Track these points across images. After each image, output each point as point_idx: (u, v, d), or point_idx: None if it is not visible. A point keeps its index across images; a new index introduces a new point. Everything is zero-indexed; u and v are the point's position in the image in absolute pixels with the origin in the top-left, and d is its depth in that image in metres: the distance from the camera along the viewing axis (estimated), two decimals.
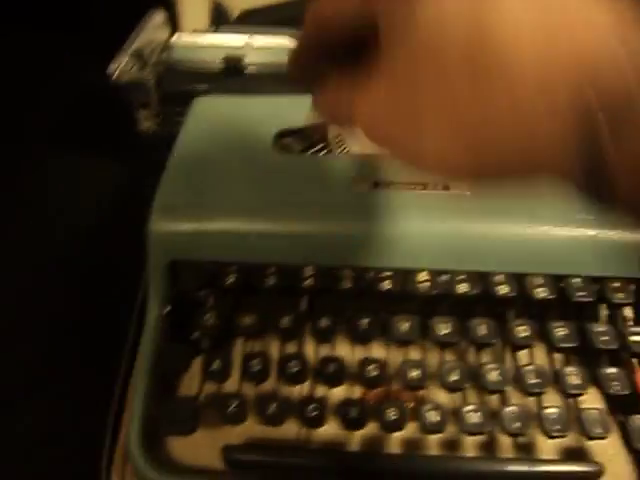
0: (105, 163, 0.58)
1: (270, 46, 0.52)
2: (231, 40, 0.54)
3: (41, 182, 0.60)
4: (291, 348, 0.39)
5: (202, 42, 0.54)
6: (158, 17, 0.55)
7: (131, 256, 0.48)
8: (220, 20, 0.60)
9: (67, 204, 0.56)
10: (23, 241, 0.55)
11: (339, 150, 0.49)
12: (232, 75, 0.50)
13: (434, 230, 0.38)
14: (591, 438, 0.35)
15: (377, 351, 0.39)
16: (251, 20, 0.60)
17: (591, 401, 0.37)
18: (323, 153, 0.47)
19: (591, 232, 0.37)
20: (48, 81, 0.67)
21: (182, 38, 0.55)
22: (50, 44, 0.70)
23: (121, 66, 0.49)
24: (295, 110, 0.47)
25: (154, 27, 0.54)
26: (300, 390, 0.37)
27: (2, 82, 0.67)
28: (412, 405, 0.37)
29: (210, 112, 0.47)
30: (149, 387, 0.38)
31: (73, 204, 0.56)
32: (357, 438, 0.38)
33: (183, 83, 0.51)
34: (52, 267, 0.52)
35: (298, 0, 0.66)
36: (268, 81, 0.50)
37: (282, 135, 0.45)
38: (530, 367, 0.36)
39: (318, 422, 0.35)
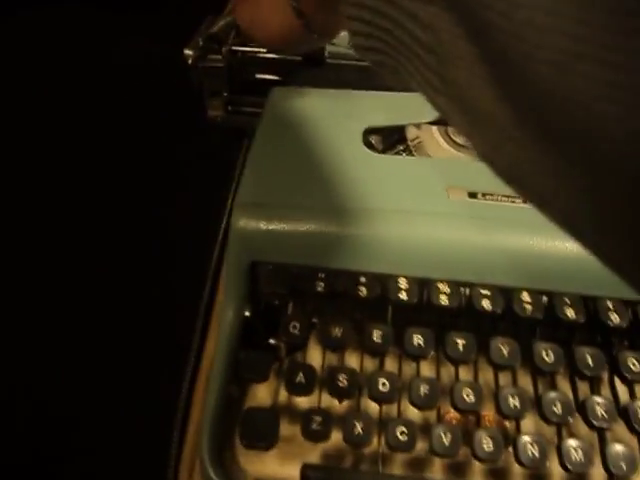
0: (171, 150, 0.55)
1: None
2: None
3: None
4: (374, 364, 0.36)
5: None
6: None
7: (195, 254, 0.46)
8: None
9: (126, 191, 0.54)
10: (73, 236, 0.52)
11: (417, 153, 0.46)
12: (312, 66, 0.48)
13: (537, 248, 0.35)
14: None
15: (467, 374, 0.36)
16: None
17: None
18: (405, 155, 0.45)
19: None
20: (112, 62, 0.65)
21: None
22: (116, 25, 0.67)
23: (196, 50, 0.46)
24: (378, 107, 0.45)
25: (229, 10, 0.51)
26: (386, 410, 0.35)
27: (61, 64, 0.64)
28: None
29: (290, 104, 0.44)
30: (222, 395, 0.35)
31: (134, 193, 0.53)
32: (439, 464, 0.36)
33: (258, 72, 0.48)
34: (110, 262, 0.49)
35: None
36: (349, 74, 0.47)
37: (367, 133, 0.42)
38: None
39: (406, 446, 0.33)
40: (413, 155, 0.46)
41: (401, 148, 0.46)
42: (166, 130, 0.57)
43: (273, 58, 0.48)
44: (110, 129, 0.59)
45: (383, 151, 0.45)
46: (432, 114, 0.45)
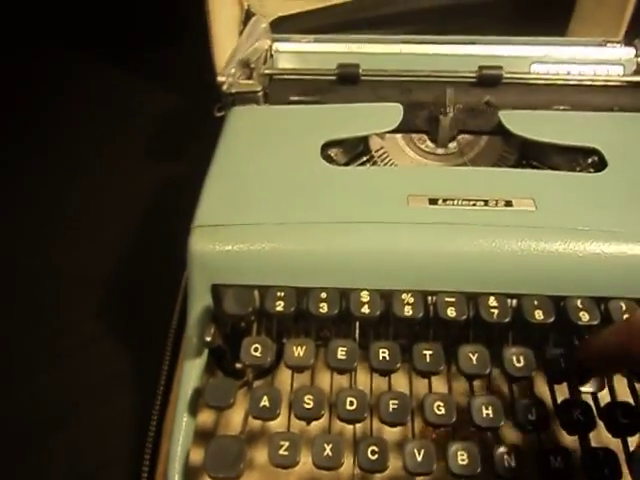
0: None
1: (383, 52, 0.50)
2: (338, 47, 0.51)
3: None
4: (343, 381, 0.35)
5: (307, 49, 0.51)
6: (261, 25, 0.52)
7: (165, 276, 0.46)
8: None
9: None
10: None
11: (383, 163, 0.46)
12: (347, 83, 0.47)
13: (500, 250, 0.34)
14: None
15: (440, 385, 0.35)
16: (285, 28, 0.57)
17: None
18: (368, 166, 0.44)
19: None
20: None
21: (285, 46, 0.52)
22: None
23: (230, 76, 0.46)
24: (337, 121, 0.44)
25: (258, 35, 0.51)
26: (356, 429, 0.34)
27: None
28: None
29: (249, 122, 0.44)
30: (189, 424, 0.34)
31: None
32: None
33: (292, 94, 0.47)
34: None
35: (333, 5, 0.64)
36: (385, 90, 0.47)
37: (326, 146, 0.42)
38: None
39: (379, 465, 0.32)
40: (378, 165, 0.45)
41: (365, 159, 0.46)
42: None
43: (307, 79, 0.48)
44: None
45: (346, 164, 0.44)
46: (394, 123, 0.44)
